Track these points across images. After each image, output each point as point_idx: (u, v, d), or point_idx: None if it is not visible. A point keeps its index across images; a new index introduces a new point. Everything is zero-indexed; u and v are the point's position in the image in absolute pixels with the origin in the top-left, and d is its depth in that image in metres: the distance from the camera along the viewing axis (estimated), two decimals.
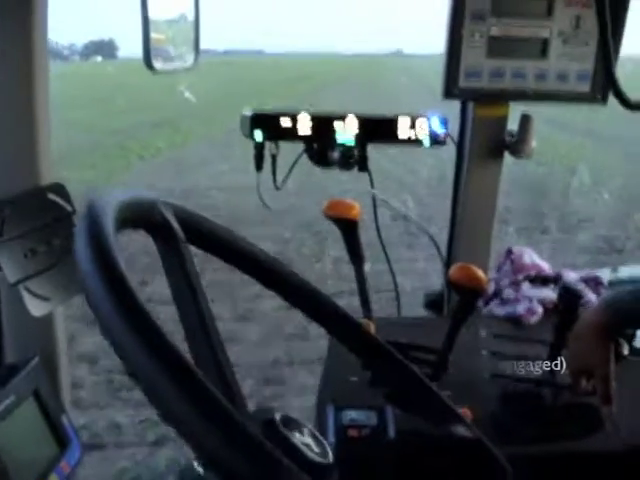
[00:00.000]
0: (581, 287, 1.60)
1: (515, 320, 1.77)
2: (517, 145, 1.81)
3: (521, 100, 1.75)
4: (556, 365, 1.48)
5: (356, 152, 1.73)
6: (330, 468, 0.78)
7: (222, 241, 0.95)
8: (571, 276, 1.86)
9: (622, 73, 1.54)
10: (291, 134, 1.68)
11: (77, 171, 8.85)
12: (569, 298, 1.46)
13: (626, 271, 2.20)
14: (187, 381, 0.62)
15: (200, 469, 0.78)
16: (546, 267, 1.91)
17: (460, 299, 1.45)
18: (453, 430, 1.00)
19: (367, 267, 1.64)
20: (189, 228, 0.88)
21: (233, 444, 0.60)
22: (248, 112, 1.68)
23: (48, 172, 1.37)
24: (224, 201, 7.76)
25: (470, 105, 1.83)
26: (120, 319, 0.63)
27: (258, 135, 1.68)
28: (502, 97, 1.76)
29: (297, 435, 0.78)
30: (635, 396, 1.43)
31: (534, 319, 1.77)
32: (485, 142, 1.84)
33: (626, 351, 1.52)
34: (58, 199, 1.36)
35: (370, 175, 1.81)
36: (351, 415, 1.36)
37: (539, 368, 1.51)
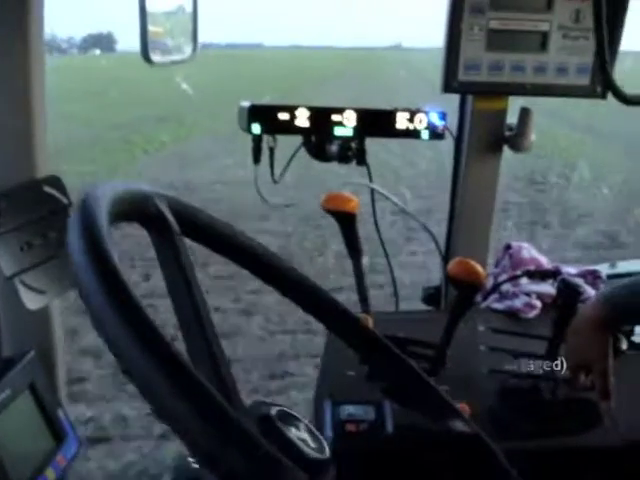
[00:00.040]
0: (580, 282, 1.59)
1: (513, 315, 1.77)
2: (516, 139, 1.80)
3: (520, 94, 1.74)
4: (554, 360, 1.48)
5: (354, 145, 1.72)
6: (327, 463, 0.78)
7: (218, 234, 0.94)
8: (570, 271, 1.85)
9: (620, 68, 1.54)
10: (289, 127, 1.67)
11: (78, 165, 8.83)
12: (568, 293, 1.45)
13: (624, 266, 2.20)
14: (180, 377, 0.61)
15: (195, 465, 0.77)
16: (545, 262, 1.91)
17: (458, 294, 1.44)
18: (451, 425, 1.00)
19: (365, 261, 1.63)
20: (184, 220, 0.87)
21: (227, 440, 0.60)
22: (246, 104, 1.67)
23: (44, 165, 1.36)
24: (228, 195, 7.73)
25: (469, 99, 1.82)
26: (112, 312, 0.63)
27: (256, 128, 1.67)
28: (501, 90, 1.75)
29: (293, 430, 0.77)
30: (633, 391, 1.43)
31: (532, 314, 1.76)
32: (484, 136, 1.83)
33: (624, 346, 1.52)
34: (54, 192, 1.36)
35: (368, 168, 1.80)
36: (349, 410, 1.36)
37: (537, 363, 1.51)
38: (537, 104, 1.79)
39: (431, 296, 2.03)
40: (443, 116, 1.71)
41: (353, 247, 1.61)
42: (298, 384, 3.91)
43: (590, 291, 1.72)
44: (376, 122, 1.72)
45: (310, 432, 0.80)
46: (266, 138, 1.70)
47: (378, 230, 1.94)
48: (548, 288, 1.80)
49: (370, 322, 1.49)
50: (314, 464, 0.75)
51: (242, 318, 4.87)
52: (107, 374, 3.94)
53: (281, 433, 0.76)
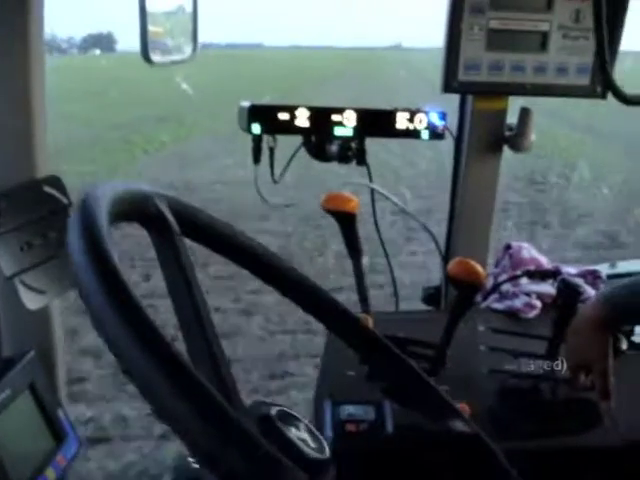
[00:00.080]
0: (580, 282, 1.59)
1: (513, 315, 1.77)
2: (516, 139, 1.80)
3: (520, 94, 1.74)
4: (554, 360, 1.48)
5: (354, 145, 1.72)
6: (327, 463, 0.78)
7: (218, 234, 0.94)
8: (570, 271, 1.85)
9: (620, 68, 1.54)
10: (289, 127, 1.67)
11: (78, 165, 8.83)
12: (568, 293, 1.45)
13: (624, 266, 2.20)
14: (180, 377, 0.61)
15: (195, 465, 0.77)
16: (545, 262, 1.91)
17: (458, 294, 1.44)
18: (451, 425, 1.00)
19: (365, 261, 1.63)
20: (184, 220, 0.87)
21: (227, 440, 0.60)
22: (245, 104, 1.67)
23: (44, 165, 1.36)
24: (228, 195, 7.74)
25: (469, 99, 1.82)
26: (112, 312, 0.63)
27: (256, 128, 1.67)
28: (501, 90, 1.75)
29: (293, 430, 0.77)
30: (633, 391, 1.42)
31: (532, 314, 1.76)
32: (484, 136, 1.83)
33: (625, 346, 1.51)
34: (54, 192, 1.36)
35: (368, 169, 1.80)
36: (349, 410, 1.36)
37: (537, 363, 1.50)
38: (537, 104, 1.79)
39: (431, 296, 2.03)
40: (443, 116, 1.71)
41: (353, 247, 1.60)
42: (298, 384, 3.91)
43: (590, 291, 1.72)
44: (376, 122, 1.72)
45: (310, 432, 0.79)
46: (266, 138, 1.70)
47: (378, 230, 1.94)
48: (548, 288, 1.80)
49: (370, 322, 1.49)
50: (314, 464, 0.75)
51: (242, 318, 4.87)
52: (107, 374, 3.94)
53: (281, 433, 0.76)
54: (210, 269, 5.00)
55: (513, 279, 1.83)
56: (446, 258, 1.93)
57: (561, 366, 1.46)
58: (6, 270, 1.25)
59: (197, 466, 0.77)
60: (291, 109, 1.67)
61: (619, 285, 1.40)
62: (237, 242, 0.95)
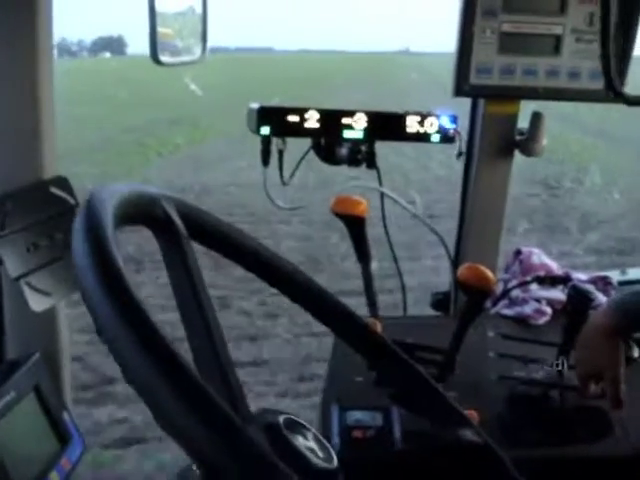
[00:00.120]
0: (590, 288, 1.57)
1: (523, 321, 1.75)
2: (527, 143, 1.79)
3: (532, 98, 1.73)
4: (564, 367, 1.47)
5: (364, 148, 1.71)
6: (334, 473, 0.76)
7: (225, 237, 0.93)
8: (580, 277, 1.84)
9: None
10: (298, 129, 1.66)
11: (91, 168, 8.85)
12: (578, 299, 1.44)
13: (636, 272, 2.19)
14: (185, 386, 0.60)
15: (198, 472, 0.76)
16: (555, 268, 1.89)
17: (468, 299, 1.43)
18: (459, 432, 0.98)
19: (374, 265, 1.62)
20: (191, 223, 0.86)
21: (231, 450, 0.58)
22: (255, 105, 1.66)
23: (51, 166, 1.35)
24: (245, 198, 7.74)
25: (480, 102, 1.81)
26: (116, 318, 0.61)
27: (265, 130, 1.66)
28: (513, 94, 1.74)
29: (301, 439, 0.76)
30: None
31: (542, 320, 1.75)
32: (495, 140, 1.82)
33: (636, 354, 1.50)
34: (61, 193, 1.35)
35: (378, 172, 1.79)
36: (356, 416, 1.35)
37: (547, 370, 1.49)
38: (549, 108, 1.78)
39: (440, 301, 2.01)
40: (454, 119, 1.70)
41: (362, 251, 1.59)
42: None
43: (601, 298, 1.70)
44: (386, 125, 1.70)
45: (318, 441, 0.78)
46: (275, 140, 1.69)
47: (387, 233, 1.93)
48: (558, 294, 1.79)
49: (379, 327, 1.48)
50: (322, 474, 0.74)
51: (268, 321, 4.87)
52: None
53: (288, 442, 0.74)
54: (234, 271, 4.99)
55: (523, 285, 1.82)
56: (455, 263, 1.92)
57: (571, 373, 1.45)
58: (12, 271, 1.24)
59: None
60: (301, 111, 1.65)
61: (630, 292, 1.39)
62: (244, 245, 0.94)
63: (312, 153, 1.73)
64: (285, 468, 0.60)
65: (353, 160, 1.72)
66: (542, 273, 1.84)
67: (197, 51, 1.49)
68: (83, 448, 1.34)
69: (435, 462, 1.16)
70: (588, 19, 1.64)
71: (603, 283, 1.84)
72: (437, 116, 1.69)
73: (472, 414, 1.12)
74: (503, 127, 1.81)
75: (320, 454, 0.76)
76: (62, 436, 1.30)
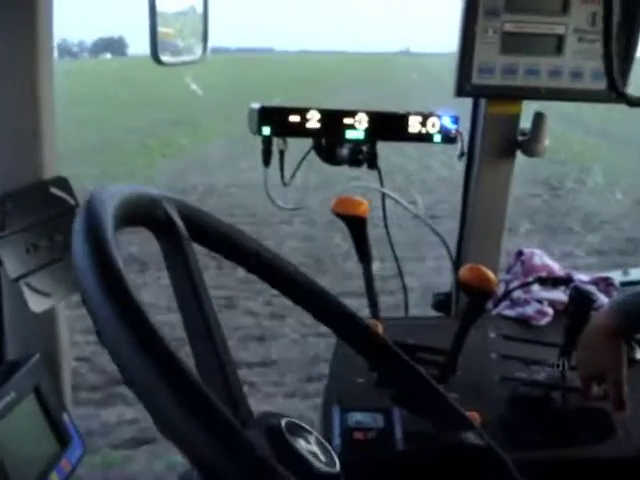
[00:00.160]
0: (592, 289, 1.57)
1: (525, 322, 1.75)
2: (529, 144, 1.78)
3: (535, 98, 1.72)
4: (567, 368, 1.46)
5: (365, 149, 1.71)
6: (336, 477, 0.76)
7: (227, 239, 0.92)
8: (582, 278, 1.83)
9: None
10: (300, 130, 1.66)
11: (92, 168, 8.85)
12: (580, 300, 1.43)
13: (638, 273, 2.18)
14: (183, 388, 0.59)
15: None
16: (557, 268, 1.89)
17: (469, 300, 1.42)
18: (461, 433, 0.98)
19: (375, 266, 1.61)
20: (192, 224, 0.86)
21: (230, 454, 0.58)
22: (256, 105, 1.65)
23: (51, 166, 1.35)
24: (244, 199, 7.74)
25: (482, 102, 1.80)
26: (115, 319, 0.61)
27: (266, 130, 1.65)
28: (515, 94, 1.73)
29: (302, 442, 0.75)
30: None
31: (544, 321, 1.74)
32: (497, 140, 1.82)
33: (639, 355, 1.49)
34: (61, 193, 1.35)
35: (380, 173, 1.79)
36: (357, 417, 1.34)
37: (549, 371, 1.49)
38: (551, 108, 1.77)
39: (441, 302, 2.00)
40: (456, 120, 1.69)
41: (363, 252, 1.59)
42: None
43: (603, 299, 1.69)
44: (388, 125, 1.70)
45: (320, 444, 0.77)
46: (276, 141, 1.68)
47: (388, 234, 1.92)
48: (560, 295, 1.78)
49: (380, 328, 1.47)
50: (324, 478, 0.73)
51: (275, 321, 4.86)
52: None
53: (290, 446, 0.74)
54: (239, 272, 4.98)
55: (525, 286, 1.81)
56: (457, 264, 1.91)
57: (573, 375, 1.44)
58: (12, 272, 1.24)
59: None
60: (302, 111, 1.65)
61: (632, 292, 1.39)
62: (246, 247, 0.94)
63: (313, 153, 1.73)
64: (284, 471, 0.59)
65: (354, 160, 1.71)
66: (544, 274, 1.84)
67: (198, 51, 1.49)
68: (83, 449, 1.34)
69: (437, 464, 1.16)
70: (591, 19, 1.64)
71: (605, 284, 1.84)
72: (439, 116, 1.68)
73: (474, 415, 1.12)
74: (505, 127, 1.81)
75: (322, 458, 0.75)
76: (62, 437, 1.29)
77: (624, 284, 1.92)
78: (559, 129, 9.23)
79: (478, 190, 1.87)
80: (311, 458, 0.74)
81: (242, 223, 5.71)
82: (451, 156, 1.78)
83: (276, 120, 1.65)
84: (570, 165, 10.30)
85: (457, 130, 1.70)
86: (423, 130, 1.68)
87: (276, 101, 1.75)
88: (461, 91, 1.69)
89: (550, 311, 1.76)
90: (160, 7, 1.29)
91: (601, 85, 1.68)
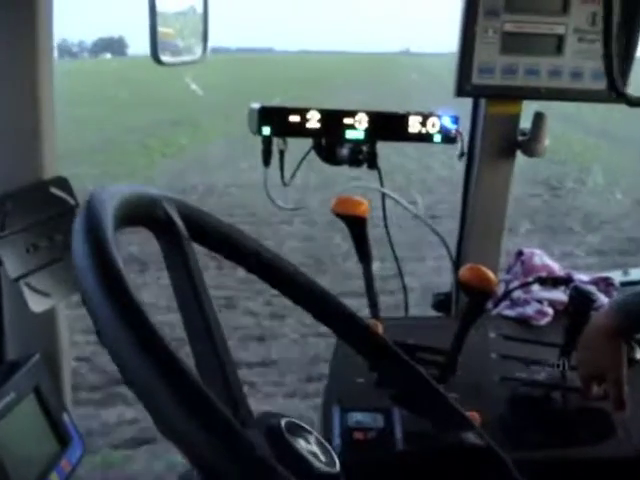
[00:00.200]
0: (592, 289, 1.57)
1: (525, 322, 1.75)
2: (530, 144, 1.78)
3: (535, 98, 1.72)
4: (567, 368, 1.46)
5: (365, 149, 1.70)
6: (336, 477, 0.75)
7: (227, 238, 0.92)
8: (582, 278, 1.83)
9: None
10: (300, 130, 1.66)
11: (92, 169, 8.85)
12: (580, 300, 1.43)
13: (638, 273, 2.18)
14: (183, 387, 0.59)
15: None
16: (557, 268, 1.89)
17: (469, 300, 1.42)
18: (461, 433, 0.98)
19: (375, 266, 1.61)
20: (192, 225, 0.85)
21: (230, 454, 0.58)
22: (255, 105, 1.65)
23: (51, 166, 1.35)
24: (244, 199, 7.74)
25: (482, 102, 1.80)
26: (115, 319, 0.61)
27: (266, 130, 1.65)
28: (515, 94, 1.73)
29: (302, 442, 0.75)
30: None
31: (544, 321, 1.74)
32: (497, 140, 1.82)
33: (639, 355, 1.49)
34: (61, 193, 1.34)
35: (380, 173, 1.79)
36: (357, 417, 1.34)
37: (549, 371, 1.49)
38: (551, 108, 1.77)
39: (441, 302, 2.00)
40: (456, 120, 1.69)
41: (363, 252, 1.59)
42: None
43: (603, 299, 1.69)
44: (388, 125, 1.70)
45: (320, 444, 0.77)
46: (276, 141, 1.68)
47: (388, 234, 1.92)
48: (560, 295, 1.78)
49: (380, 328, 1.47)
50: (324, 478, 0.73)
51: (275, 321, 4.86)
52: None
53: (289, 446, 0.73)
54: (238, 272, 4.97)
55: (525, 286, 1.81)
56: (457, 264, 1.91)
57: (573, 374, 1.44)
58: (12, 272, 1.24)
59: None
60: (302, 111, 1.65)
61: (632, 292, 1.39)
62: (245, 247, 0.93)
63: (313, 153, 1.73)
64: (284, 472, 0.59)
65: (354, 160, 1.71)
66: (544, 274, 1.84)
67: (198, 51, 1.49)
68: (83, 450, 1.34)
69: (437, 464, 1.16)
70: (591, 19, 1.64)
71: (605, 284, 1.84)
72: (439, 116, 1.68)
73: (474, 415, 1.12)
74: (505, 127, 1.80)
75: (322, 458, 0.75)
76: (62, 437, 1.29)
77: (624, 284, 1.92)
78: (559, 129, 9.22)
79: (478, 190, 1.87)
80: (311, 458, 0.74)
81: (242, 223, 5.71)
82: (451, 156, 1.77)
83: (276, 120, 1.65)
84: (570, 165, 10.30)
85: (457, 130, 1.70)
86: (423, 130, 1.68)
87: (276, 101, 1.74)
88: (461, 91, 1.69)
89: (550, 311, 1.76)
90: (160, 7, 1.29)
91: (601, 85, 1.68)
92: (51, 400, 1.28)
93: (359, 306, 1.47)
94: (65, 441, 1.29)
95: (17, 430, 1.19)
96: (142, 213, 0.81)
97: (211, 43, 1.48)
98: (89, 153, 10.78)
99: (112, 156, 11.25)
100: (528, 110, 1.79)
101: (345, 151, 1.71)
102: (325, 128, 1.66)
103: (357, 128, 1.67)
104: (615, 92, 1.34)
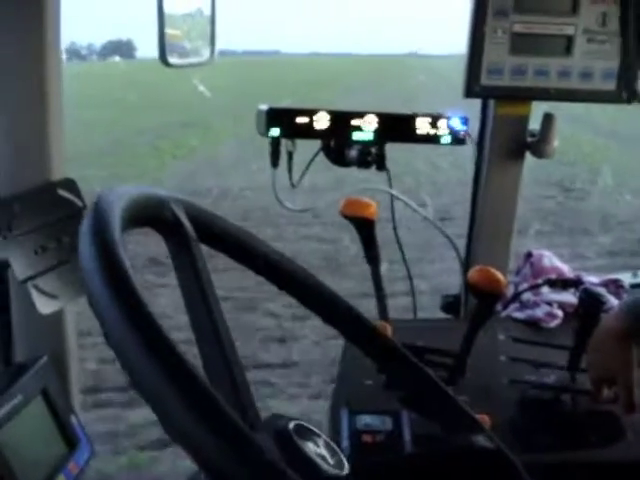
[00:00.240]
0: (602, 291, 1.56)
1: (534, 324, 1.74)
2: (539, 145, 1.78)
3: (544, 99, 1.71)
4: (576, 371, 1.45)
5: (374, 150, 1.70)
6: None
7: (235, 240, 0.92)
8: (591, 280, 1.82)
9: None
10: (308, 131, 1.65)
11: (105, 170, 8.87)
12: (590, 302, 1.43)
13: None
14: (191, 390, 0.59)
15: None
16: (566, 270, 1.88)
17: (479, 302, 1.42)
18: (470, 437, 0.97)
19: (384, 267, 1.61)
20: (200, 226, 0.85)
21: (239, 458, 0.57)
22: (264, 107, 1.65)
23: (59, 168, 1.35)
24: (259, 201, 7.74)
25: (491, 103, 1.80)
26: (122, 322, 0.60)
27: (274, 132, 1.65)
28: (524, 95, 1.73)
29: (311, 445, 0.75)
30: None
31: (554, 323, 1.74)
32: (506, 142, 1.81)
33: None
34: (69, 195, 1.34)
35: (388, 174, 1.78)
36: (365, 420, 1.33)
37: (559, 374, 1.48)
38: (560, 109, 1.76)
39: (450, 304, 2.00)
40: (465, 121, 1.69)
41: (371, 253, 1.58)
42: None
43: (613, 300, 1.69)
44: (396, 127, 1.70)
45: (329, 447, 0.77)
46: (284, 142, 1.68)
47: (397, 235, 1.92)
48: (570, 297, 1.77)
49: (389, 330, 1.46)
50: None
51: (296, 323, 4.84)
52: None
53: (298, 449, 0.73)
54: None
55: (534, 288, 1.80)
56: (466, 266, 1.90)
57: (583, 377, 1.43)
58: (20, 274, 1.24)
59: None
60: (310, 113, 1.65)
61: None
62: (254, 248, 0.93)
63: (322, 155, 1.73)
64: (293, 475, 0.59)
65: (363, 162, 1.71)
66: (553, 276, 1.83)
67: (205, 53, 1.48)
68: (91, 452, 1.33)
69: (446, 466, 1.15)
70: (600, 19, 1.63)
71: (615, 286, 1.83)
72: (447, 118, 1.68)
73: (483, 418, 1.11)
74: (514, 128, 1.80)
75: (331, 461, 0.75)
76: (70, 440, 1.29)
77: (634, 286, 1.91)
78: (568, 130, 9.19)
79: (487, 191, 1.86)
80: (320, 461, 0.73)
81: (256, 226, 5.73)
82: (458, 157, 1.77)
83: (284, 121, 1.65)
84: (580, 166, 10.26)
85: (466, 131, 1.69)
86: (432, 131, 1.68)
87: (285, 103, 1.74)
88: (470, 92, 1.69)
89: (560, 313, 1.75)
90: (168, 9, 1.29)
91: (611, 86, 1.67)
92: (59, 402, 1.27)
93: (368, 307, 1.46)
94: (73, 443, 1.29)
95: (25, 432, 1.18)
96: (150, 214, 0.80)
97: (218, 46, 1.48)
98: (98, 155, 10.78)
99: (121, 158, 11.27)
100: (537, 111, 1.79)
101: (354, 152, 1.70)
102: (333, 129, 1.66)
103: (365, 129, 1.66)
104: (630, 92, 1.33)
